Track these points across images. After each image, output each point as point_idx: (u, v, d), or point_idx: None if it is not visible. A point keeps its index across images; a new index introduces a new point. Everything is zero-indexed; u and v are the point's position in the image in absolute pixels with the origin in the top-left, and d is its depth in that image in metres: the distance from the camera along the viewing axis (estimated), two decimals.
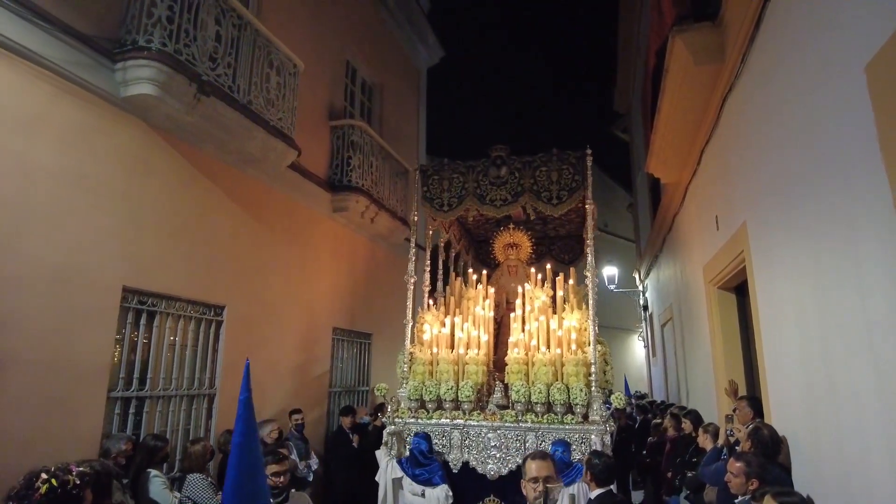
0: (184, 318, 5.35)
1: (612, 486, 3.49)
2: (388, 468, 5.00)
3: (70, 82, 4.30)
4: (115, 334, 4.61)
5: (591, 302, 5.23)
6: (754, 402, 4.39)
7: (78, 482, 2.43)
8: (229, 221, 5.91)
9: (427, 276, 6.07)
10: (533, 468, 2.67)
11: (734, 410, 4.65)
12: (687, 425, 5.79)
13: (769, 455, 3.61)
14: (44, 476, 2.37)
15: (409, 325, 5.58)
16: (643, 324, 14.49)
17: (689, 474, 5.06)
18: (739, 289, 5.40)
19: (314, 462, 6.31)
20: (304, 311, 7.17)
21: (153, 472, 4.35)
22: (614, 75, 13.86)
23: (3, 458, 3.59)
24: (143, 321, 4.91)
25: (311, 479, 5.97)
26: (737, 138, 4.49)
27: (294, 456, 5.97)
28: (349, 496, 6.48)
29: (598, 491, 3.36)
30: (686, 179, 6.66)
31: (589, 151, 5.48)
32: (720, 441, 4.49)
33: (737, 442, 4.16)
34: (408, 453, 5.02)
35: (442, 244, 6.66)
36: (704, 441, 4.72)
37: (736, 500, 3.33)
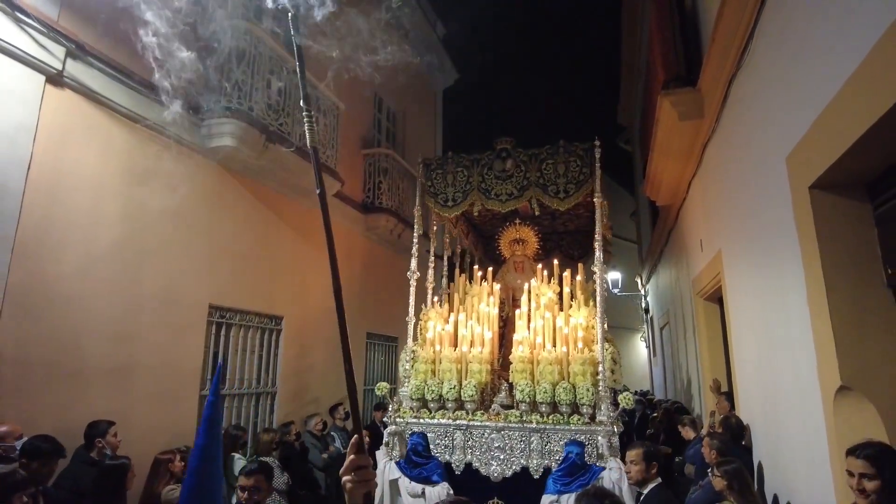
0: (252, 328, 6.37)
1: None
2: (385, 469, 4.91)
3: (170, 139, 5.30)
4: (203, 343, 5.64)
5: (598, 299, 5.12)
6: (731, 396, 5.38)
7: None
8: (285, 244, 6.93)
9: (430, 272, 5.98)
10: None
11: (717, 404, 5.63)
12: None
13: (736, 438, 4.59)
14: None
15: (412, 323, 5.54)
16: (645, 325, 15.43)
17: (677, 459, 6.03)
18: (721, 300, 6.35)
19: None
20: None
21: (237, 455, 5.36)
22: (618, 92, 14.81)
23: (130, 444, 4.60)
24: (222, 332, 5.93)
25: None
26: (715, 179, 5.43)
27: (339, 444, 6.98)
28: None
29: None
30: (678, 203, 7.61)
31: (597, 143, 5.33)
32: (703, 431, 5.45)
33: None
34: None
35: (447, 240, 6.55)
36: (685, 431, 5.68)
37: (708, 471, 4.30)
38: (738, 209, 4.55)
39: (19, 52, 3.91)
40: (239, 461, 5.31)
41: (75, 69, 4.35)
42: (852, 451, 2.21)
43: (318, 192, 1.65)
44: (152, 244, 5.08)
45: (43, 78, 4.12)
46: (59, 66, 4.19)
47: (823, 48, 2.79)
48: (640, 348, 19.46)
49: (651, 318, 13.91)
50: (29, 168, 3.97)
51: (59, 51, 4.19)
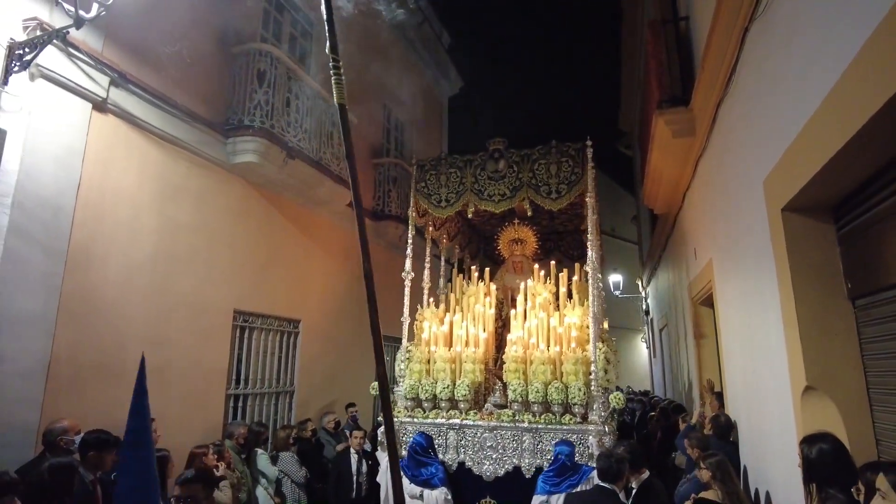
0: (272, 331, 6.77)
1: (609, 484, 3.57)
2: (388, 469, 5.02)
3: (197, 156, 5.71)
4: (229, 346, 6.04)
5: (591, 298, 5.13)
6: (721, 396, 5.75)
7: None
8: (302, 251, 7.34)
9: (426, 273, 6.04)
10: None
11: (709, 403, 6.01)
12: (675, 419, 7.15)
13: (724, 435, 4.95)
14: None
15: (406, 323, 5.59)
16: (645, 327, 15.79)
17: (673, 454, 6.40)
18: (714, 305, 6.71)
19: (367, 446, 7.64)
20: (354, 321, 8.57)
21: (259, 450, 5.76)
22: (619, 98, 15.17)
23: (167, 438, 4.99)
24: (245, 335, 6.33)
25: None
26: (705, 194, 5.80)
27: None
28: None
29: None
30: (675, 211, 7.97)
31: (589, 143, 5.36)
32: (693, 420, 5.85)
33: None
34: (405, 453, 4.93)
35: (444, 241, 6.62)
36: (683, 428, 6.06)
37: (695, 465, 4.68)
38: (725, 224, 4.92)
39: (70, 82, 4.32)
40: (261, 456, 5.71)
41: (117, 96, 4.75)
42: None
43: (346, 157, 1.73)
44: (182, 254, 5.48)
45: (90, 105, 4.52)
46: (104, 94, 4.60)
47: (793, 83, 3.15)
48: (641, 349, 19.82)
49: (651, 320, 14.26)
50: (79, 188, 4.37)
51: (104, 80, 4.59)
